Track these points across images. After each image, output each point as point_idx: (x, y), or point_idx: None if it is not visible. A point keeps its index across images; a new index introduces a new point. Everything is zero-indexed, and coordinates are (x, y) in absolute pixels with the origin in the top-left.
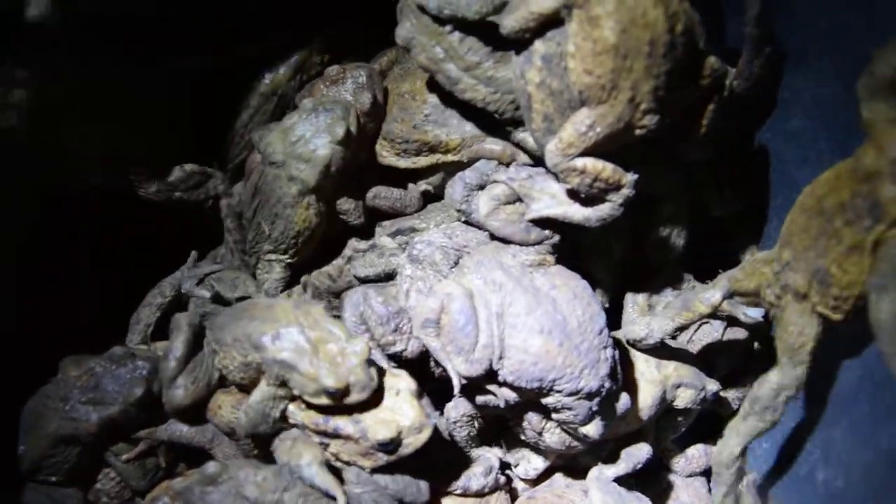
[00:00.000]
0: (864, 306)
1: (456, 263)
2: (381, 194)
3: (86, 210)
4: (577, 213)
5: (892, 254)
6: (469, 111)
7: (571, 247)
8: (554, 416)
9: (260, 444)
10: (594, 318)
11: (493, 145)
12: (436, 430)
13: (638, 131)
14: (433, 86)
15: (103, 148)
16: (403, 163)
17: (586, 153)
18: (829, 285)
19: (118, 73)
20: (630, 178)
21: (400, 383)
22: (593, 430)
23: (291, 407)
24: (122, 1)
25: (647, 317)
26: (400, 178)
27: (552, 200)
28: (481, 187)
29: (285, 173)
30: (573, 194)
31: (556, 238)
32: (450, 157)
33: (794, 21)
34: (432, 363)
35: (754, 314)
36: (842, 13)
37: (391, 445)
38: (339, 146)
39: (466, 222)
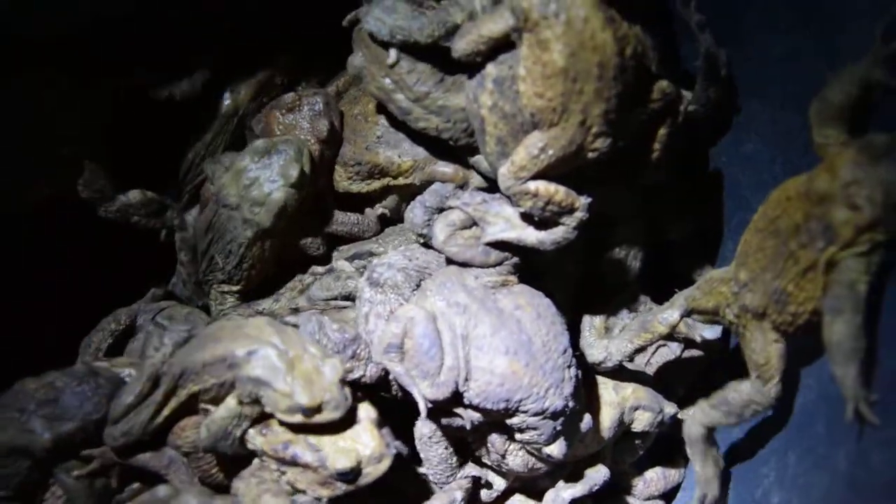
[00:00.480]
0: (819, 322)
1: (418, 286)
2: (338, 220)
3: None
4: (531, 236)
5: (846, 277)
6: (421, 134)
7: (529, 269)
8: (518, 436)
9: (222, 464)
10: (558, 337)
11: (445, 168)
12: (396, 459)
13: (590, 154)
14: (384, 107)
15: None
16: (356, 187)
17: (539, 176)
18: (786, 303)
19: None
20: (583, 201)
21: (360, 412)
22: (557, 449)
23: (251, 431)
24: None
25: (605, 339)
26: (358, 202)
27: (507, 224)
28: (441, 210)
29: (240, 216)
30: (528, 218)
31: (516, 259)
32: (401, 181)
33: (749, 47)
34: (395, 388)
35: (710, 335)
36: (796, 40)
37: (350, 475)
38: (293, 189)
39: (426, 245)
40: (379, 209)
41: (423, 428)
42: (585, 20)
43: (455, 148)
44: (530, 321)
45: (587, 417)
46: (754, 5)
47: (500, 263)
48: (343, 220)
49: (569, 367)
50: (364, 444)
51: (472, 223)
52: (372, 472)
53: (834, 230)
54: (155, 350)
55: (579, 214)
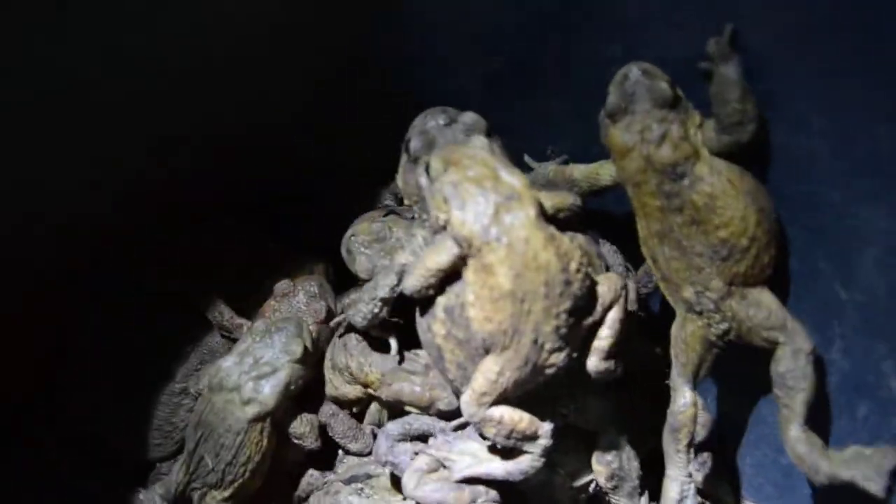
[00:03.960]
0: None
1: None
2: (339, 416)
3: None
4: (498, 469)
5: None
6: (387, 346)
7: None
8: None
9: None
10: None
11: (414, 387)
12: None
13: (548, 370)
14: None
15: None
16: (345, 389)
17: (501, 401)
18: (732, 248)
19: None
20: (546, 427)
21: None
22: None
23: None
24: None
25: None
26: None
27: (473, 459)
28: (405, 438)
29: (239, 398)
30: (493, 450)
31: (494, 493)
32: (371, 391)
33: None
34: None
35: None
36: None
37: None
38: (298, 364)
39: (394, 475)
40: (368, 427)
41: None
42: (527, 241)
43: None
44: None
45: None
46: None
47: (475, 500)
48: (343, 420)
49: None
50: None
51: (441, 465)
52: None
53: (675, 164)
54: None
55: (543, 441)
